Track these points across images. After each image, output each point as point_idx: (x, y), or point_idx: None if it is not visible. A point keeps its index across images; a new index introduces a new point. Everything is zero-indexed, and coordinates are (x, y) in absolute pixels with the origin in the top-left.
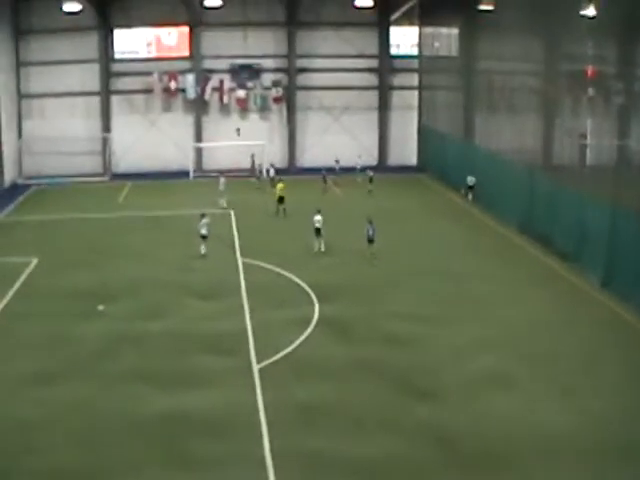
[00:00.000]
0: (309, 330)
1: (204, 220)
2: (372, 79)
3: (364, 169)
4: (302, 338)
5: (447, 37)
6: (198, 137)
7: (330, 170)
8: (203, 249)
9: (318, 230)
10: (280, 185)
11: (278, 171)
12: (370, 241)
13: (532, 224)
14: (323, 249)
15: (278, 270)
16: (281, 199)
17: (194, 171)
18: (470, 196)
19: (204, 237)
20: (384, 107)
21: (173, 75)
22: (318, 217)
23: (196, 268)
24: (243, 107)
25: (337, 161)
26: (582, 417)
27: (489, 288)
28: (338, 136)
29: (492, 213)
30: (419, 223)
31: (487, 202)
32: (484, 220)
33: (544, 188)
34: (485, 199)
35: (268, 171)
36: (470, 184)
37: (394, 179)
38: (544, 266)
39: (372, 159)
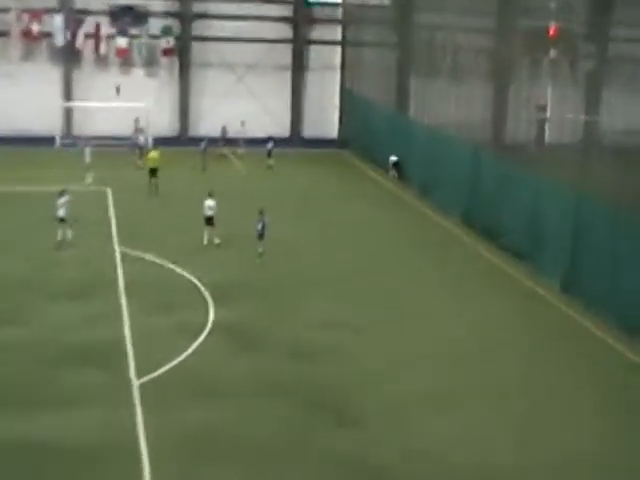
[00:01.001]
0: (201, 339)
1: (63, 199)
2: (285, 30)
3: (263, 141)
4: (193, 348)
5: None
6: (67, 95)
7: (229, 141)
8: (60, 235)
9: (209, 219)
10: (153, 154)
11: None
12: (260, 236)
13: (478, 214)
14: (217, 241)
15: (165, 264)
16: (153, 171)
17: (61, 137)
18: (394, 174)
19: (62, 220)
20: (299, 66)
21: (36, 14)
22: (210, 202)
23: (62, 261)
24: (124, 59)
25: (242, 123)
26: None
27: (422, 291)
28: (242, 100)
29: (430, 201)
30: (338, 210)
31: (423, 187)
32: (419, 209)
33: (493, 171)
34: (421, 183)
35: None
36: (393, 161)
37: (309, 155)
38: (490, 265)
39: (283, 130)
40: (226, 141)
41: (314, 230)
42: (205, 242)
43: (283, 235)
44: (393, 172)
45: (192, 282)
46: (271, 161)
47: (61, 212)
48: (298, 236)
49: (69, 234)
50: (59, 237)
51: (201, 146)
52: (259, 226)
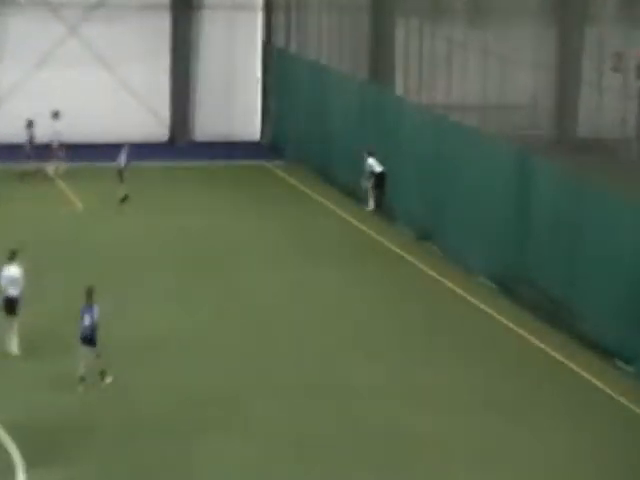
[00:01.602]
0: None
1: None
2: None
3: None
4: None
5: None
6: None
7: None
8: None
9: (11, 303)
10: None
11: None
12: (87, 340)
13: (528, 279)
14: (16, 352)
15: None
16: None
17: None
18: (372, 202)
19: None
20: (185, 4)
21: None
22: (12, 272)
23: None
24: None
25: (55, 114)
26: None
27: None
28: (74, 70)
29: (436, 250)
30: (259, 277)
31: (423, 225)
32: (416, 266)
33: (557, 197)
34: (419, 218)
35: None
36: (373, 170)
37: (207, 171)
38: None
39: (155, 127)
40: (35, 148)
41: (208, 320)
42: (6, 347)
43: (147, 331)
44: (371, 192)
45: None
46: (123, 188)
47: None
48: (175, 333)
49: None
50: None
51: None
52: (86, 321)
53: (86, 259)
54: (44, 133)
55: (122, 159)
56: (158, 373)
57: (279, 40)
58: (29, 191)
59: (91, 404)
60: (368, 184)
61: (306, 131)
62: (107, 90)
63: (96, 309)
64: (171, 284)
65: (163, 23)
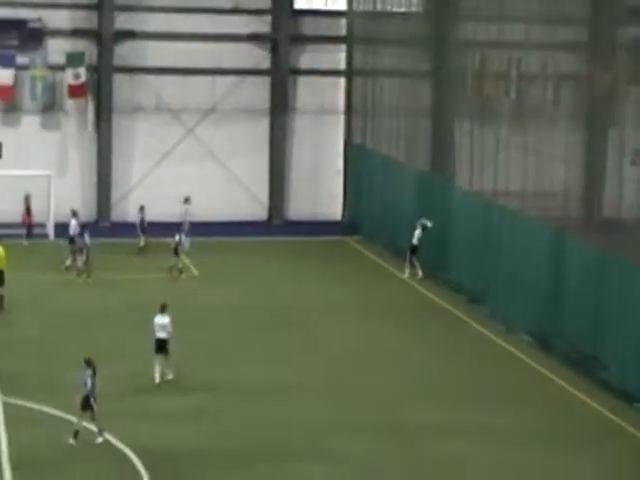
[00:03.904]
0: None
1: None
2: (259, 55)
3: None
4: None
5: None
6: None
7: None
8: None
9: (162, 343)
10: None
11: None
12: (86, 403)
13: (566, 338)
14: (170, 377)
15: (72, 419)
16: None
17: None
18: (419, 270)
19: None
20: (281, 109)
21: None
22: (163, 319)
23: None
24: (9, 102)
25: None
26: None
27: None
28: (193, 164)
29: (487, 312)
30: (339, 339)
31: (473, 291)
32: (471, 327)
33: (587, 272)
34: (470, 284)
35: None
36: (415, 242)
37: (296, 246)
38: None
39: (257, 208)
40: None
41: (296, 367)
42: (157, 380)
43: (250, 376)
44: (414, 261)
45: (118, 449)
46: (177, 261)
47: None
48: (271, 379)
49: None
50: None
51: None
52: (87, 381)
53: (198, 318)
54: (173, 214)
55: (179, 237)
56: (259, 410)
57: (357, 138)
58: (159, 262)
59: (210, 435)
60: (412, 251)
61: (378, 212)
62: (218, 179)
63: (89, 376)
64: (266, 338)
65: (263, 124)
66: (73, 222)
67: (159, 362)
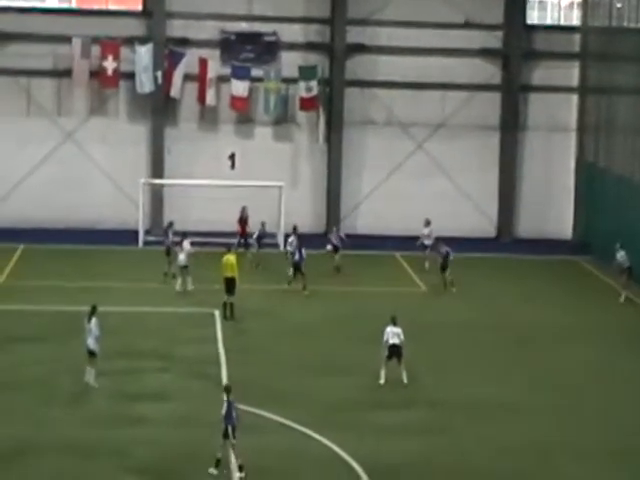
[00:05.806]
0: None
1: (92, 322)
2: (490, 71)
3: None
4: None
5: None
6: (156, 168)
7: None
8: (91, 379)
9: (395, 348)
10: (229, 258)
11: (300, 236)
12: None
13: None
14: (405, 380)
15: (306, 431)
16: (229, 284)
17: (147, 232)
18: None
19: (92, 354)
20: (511, 126)
21: (111, 46)
22: (395, 329)
23: (145, 419)
24: (243, 114)
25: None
26: None
27: None
28: (423, 178)
29: None
30: (572, 362)
31: None
32: None
33: None
34: None
35: (289, 239)
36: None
37: (524, 264)
38: None
39: (486, 225)
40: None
41: (520, 387)
42: (382, 381)
43: (475, 394)
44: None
45: (348, 463)
46: (449, 279)
47: (91, 342)
48: (496, 397)
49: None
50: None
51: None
52: (224, 409)
53: (425, 333)
54: (398, 228)
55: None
56: (487, 428)
57: (590, 156)
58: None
59: (436, 450)
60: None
61: (612, 232)
62: (447, 194)
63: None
64: (496, 356)
65: (493, 140)
66: (291, 238)
67: (388, 367)
